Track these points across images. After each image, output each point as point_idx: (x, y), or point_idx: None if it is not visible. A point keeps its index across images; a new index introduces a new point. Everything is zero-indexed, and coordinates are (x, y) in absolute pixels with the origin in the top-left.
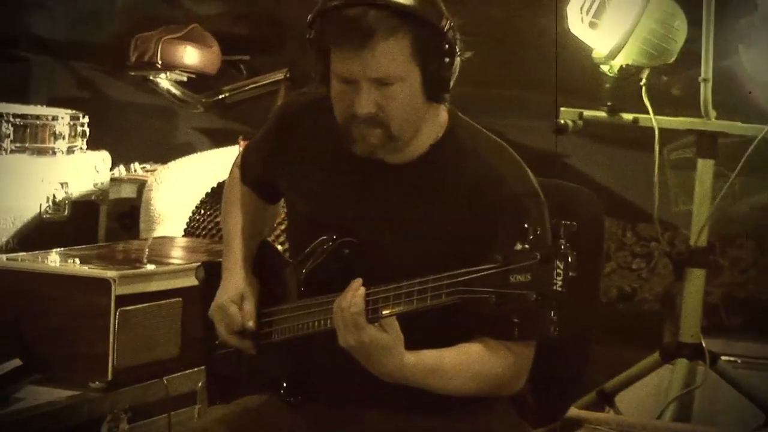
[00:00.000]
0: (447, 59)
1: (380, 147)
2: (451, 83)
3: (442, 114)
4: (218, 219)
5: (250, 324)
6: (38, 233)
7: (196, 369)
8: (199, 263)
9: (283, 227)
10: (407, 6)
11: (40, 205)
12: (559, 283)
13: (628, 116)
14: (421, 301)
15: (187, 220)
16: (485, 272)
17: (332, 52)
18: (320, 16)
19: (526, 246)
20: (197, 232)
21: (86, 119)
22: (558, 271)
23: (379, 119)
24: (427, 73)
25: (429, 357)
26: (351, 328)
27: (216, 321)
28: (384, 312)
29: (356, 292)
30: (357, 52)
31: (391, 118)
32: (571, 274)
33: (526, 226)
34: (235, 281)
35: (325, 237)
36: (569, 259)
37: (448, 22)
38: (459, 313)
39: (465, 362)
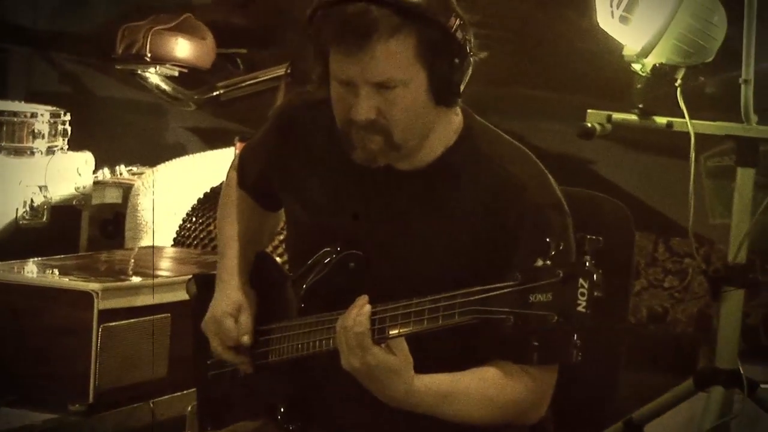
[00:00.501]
0: (457, 60)
1: (381, 154)
2: (462, 86)
3: (456, 117)
4: (211, 227)
5: (246, 339)
6: (14, 241)
7: (185, 391)
8: (190, 276)
9: (282, 237)
10: (411, 3)
11: (17, 209)
12: (583, 303)
13: (661, 120)
14: (432, 320)
15: (177, 229)
16: (502, 290)
17: (331, 51)
18: (318, 11)
19: (548, 262)
20: (188, 242)
21: (68, 117)
22: (582, 290)
23: (380, 125)
24: (434, 76)
25: (441, 381)
26: (355, 349)
27: (209, 334)
28: (391, 332)
29: (361, 310)
30: (355, 53)
31: (393, 124)
32: (596, 293)
33: (548, 240)
34: (230, 292)
35: (328, 249)
36: (594, 278)
37: (458, 20)
38: (474, 333)
39: (480, 388)
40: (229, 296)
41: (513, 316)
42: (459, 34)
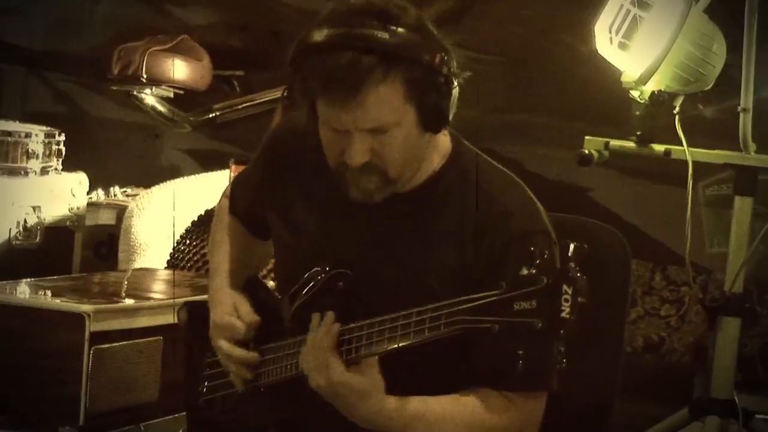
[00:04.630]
0: (444, 90)
1: (378, 191)
2: (451, 113)
3: (443, 139)
4: (205, 250)
5: (255, 319)
6: (7, 261)
7: (176, 415)
8: (182, 301)
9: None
10: (398, 47)
11: (10, 230)
12: (567, 309)
13: (659, 147)
14: (418, 333)
15: (171, 251)
16: (488, 299)
17: (319, 99)
18: (301, 57)
19: (533, 270)
20: (181, 264)
21: (62, 137)
22: (566, 296)
23: (374, 166)
24: (423, 111)
25: (413, 404)
26: (321, 368)
27: (217, 340)
28: (363, 352)
29: (329, 329)
30: (346, 103)
31: (388, 164)
32: (579, 299)
33: (532, 249)
34: (224, 298)
35: (317, 268)
36: (578, 284)
37: (442, 54)
38: (457, 357)
39: (456, 413)
40: (225, 302)
41: (498, 324)
42: (445, 68)
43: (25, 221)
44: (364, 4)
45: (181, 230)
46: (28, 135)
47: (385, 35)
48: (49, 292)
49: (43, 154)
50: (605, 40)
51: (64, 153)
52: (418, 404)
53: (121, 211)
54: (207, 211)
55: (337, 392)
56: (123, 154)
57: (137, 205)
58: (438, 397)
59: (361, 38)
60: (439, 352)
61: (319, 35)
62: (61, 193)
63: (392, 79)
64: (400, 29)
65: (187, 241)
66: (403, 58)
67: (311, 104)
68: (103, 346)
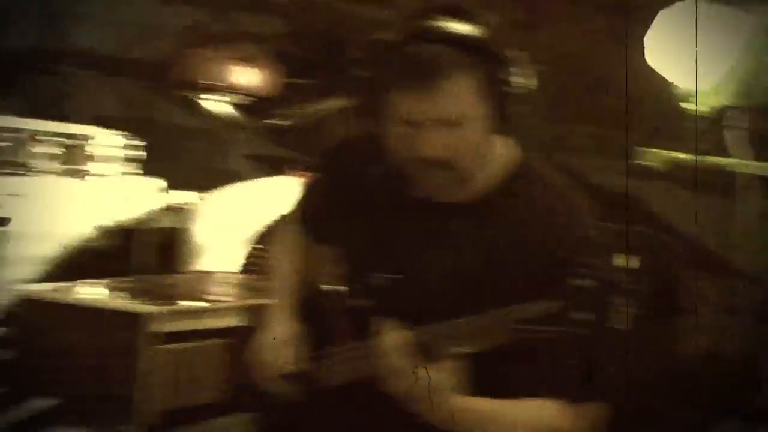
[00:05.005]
0: (514, 90)
1: (445, 188)
2: (518, 119)
3: (507, 148)
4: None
5: (301, 365)
6: (73, 262)
7: (235, 416)
8: (247, 304)
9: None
10: (476, 39)
11: (78, 231)
12: (621, 319)
13: (715, 160)
14: (466, 342)
15: (242, 256)
16: (543, 310)
17: (393, 92)
18: (378, 53)
19: (588, 282)
20: (250, 269)
21: (133, 142)
22: (622, 308)
23: (446, 161)
24: (495, 108)
25: (484, 405)
26: (397, 371)
27: (262, 364)
28: (440, 353)
29: (398, 333)
30: (423, 92)
31: (460, 159)
32: (635, 311)
33: (589, 261)
34: (281, 322)
35: (376, 274)
36: (633, 295)
37: (514, 56)
38: (520, 365)
39: (523, 417)
40: (281, 326)
41: (555, 334)
42: (519, 67)
43: (94, 223)
44: (439, 4)
45: (241, 235)
46: (97, 139)
47: (465, 28)
48: (110, 293)
49: (112, 158)
50: (659, 53)
51: (134, 157)
52: (490, 406)
53: (184, 214)
54: (275, 217)
55: (415, 394)
56: (186, 159)
57: (200, 209)
58: (508, 401)
59: (439, 31)
60: (503, 359)
61: (396, 32)
62: (127, 197)
63: (469, 71)
64: (476, 26)
65: (256, 246)
66: (479, 52)
67: (382, 102)
68: (163, 346)
